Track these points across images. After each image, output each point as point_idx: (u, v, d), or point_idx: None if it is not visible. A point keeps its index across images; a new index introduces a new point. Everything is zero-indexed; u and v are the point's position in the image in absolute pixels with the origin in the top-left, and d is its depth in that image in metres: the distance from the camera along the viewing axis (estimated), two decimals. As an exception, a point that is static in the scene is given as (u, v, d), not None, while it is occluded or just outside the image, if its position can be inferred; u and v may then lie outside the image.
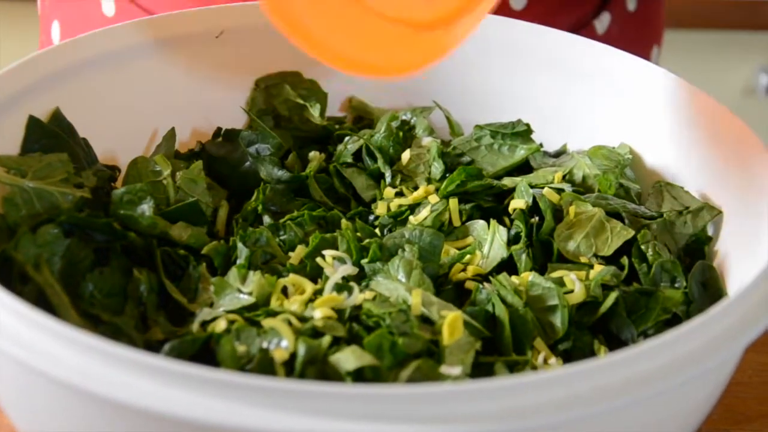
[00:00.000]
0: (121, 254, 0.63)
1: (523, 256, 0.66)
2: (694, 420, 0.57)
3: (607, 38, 0.76)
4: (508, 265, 0.67)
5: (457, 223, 0.69)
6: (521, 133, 0.77)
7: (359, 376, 0.53)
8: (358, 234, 0.68)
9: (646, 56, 1.01)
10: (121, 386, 0.45)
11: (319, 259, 0.64)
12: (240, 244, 0.65)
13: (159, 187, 0.68)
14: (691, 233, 0.69)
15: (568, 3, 1.00)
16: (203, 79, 0.78)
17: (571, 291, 0.62)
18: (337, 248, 0.65)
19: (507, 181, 0.73)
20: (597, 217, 0.68)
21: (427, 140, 0.77)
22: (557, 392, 0.46)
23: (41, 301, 0.57)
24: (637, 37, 1.05)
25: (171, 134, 0.76)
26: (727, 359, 0.55)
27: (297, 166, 0.76)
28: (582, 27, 0.94)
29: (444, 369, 0.55)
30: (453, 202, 0.70)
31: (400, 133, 0.77)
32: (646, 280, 0.65)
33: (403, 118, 0.80)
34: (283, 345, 0.54)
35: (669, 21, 1.16)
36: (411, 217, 0.70)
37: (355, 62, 0.58)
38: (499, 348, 0.60)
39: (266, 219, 0.70)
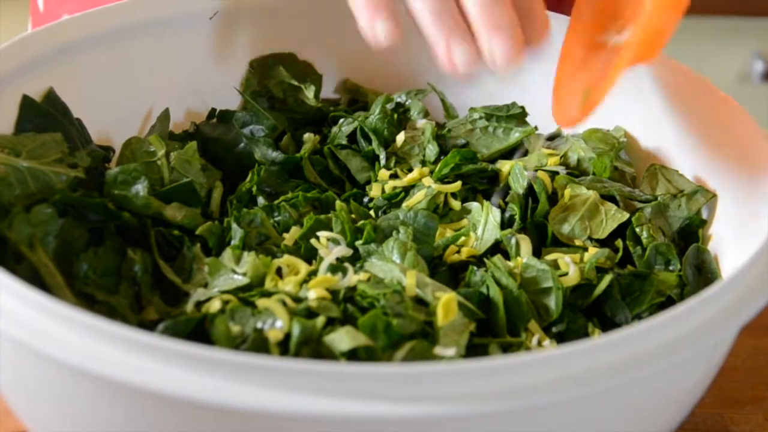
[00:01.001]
0: (116, 234, 0.63)
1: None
2: (687, 402, 0.57)
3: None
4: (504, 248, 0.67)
5: (456, 207, 0.69)
6: (516, 115, 0.77)
7: (353, 356, 0.53)
8: (353, 215, 0.68)
9: None
10: (116, 364, 0.45)
11: (313, 241, 0.64)
12: (234, 225, 0.65)
13: (153, 167, 0.68)
14: (686, 216, 0.69)
15: None
16: (197, 59, 0.78)
17: (566, 273, 0.63)
18: (331, 229, 0.65)
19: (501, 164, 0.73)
20: (591, 200, 0.68)
21: (421, 122, 0.77)
22: (552, 372, 0.46)
23: (35, 280, 0.57)
24: None
25: (165, 115, 0.75)
26: (720, 341, 0.55)
27: (291, 148, 0.76)
28: None
29: (438, 350, 0.55)
30: (454, 187, 0.69)
31: (395, 116, 0.77)
32: (640, 263, 0.65)
33: (398, 100, 0.80)
34: (277, 325, 0.54)
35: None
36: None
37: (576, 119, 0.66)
38: (494, 330, 0.60)
39: (261, 200, 0.70)
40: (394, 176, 0.73)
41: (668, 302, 0.64)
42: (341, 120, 0.77)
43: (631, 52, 0.61)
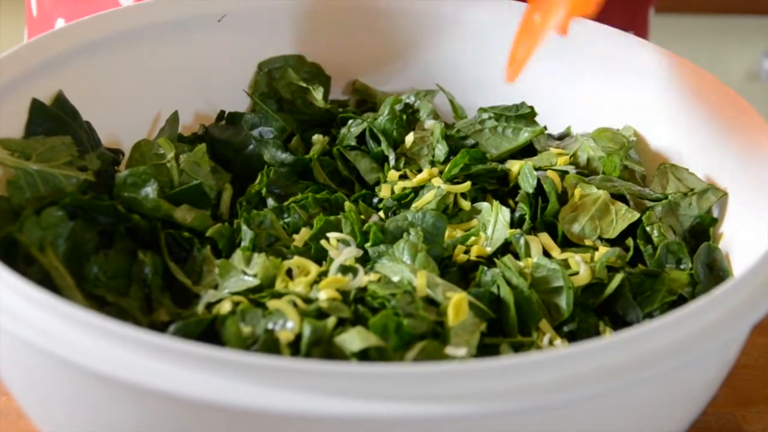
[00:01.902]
0: (126, 237, 0.63)
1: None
2: (699, 401, 0.57)
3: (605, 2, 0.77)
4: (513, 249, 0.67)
5: (466, 208, 0.69)
6: (525, 115, 0.77)
7: (365, 357, 0.53)
8: (362, 216, 0.68)
9: (645, 17, 1.01)
10: (126, 366, 0.45)
11: (323, 242, 0.64)
12: (244, 227, 0.65)
13: (163, 169, 0.68)
14: (696, 215, 0.69)
15: None
16: (206, 62, 0.78)
17: (577, 273, 0.62)
18: (341, 231, 0.65)
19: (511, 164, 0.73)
20: (602, 200, 0.68)
21: (430, 123, 0.77)
22: (563, 371, 0.46)
23: (46, 283, 0.57)
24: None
25: (174, 117, 0.76)
26: (732, 340, 0.54)
27: (300, 149, 0.76)
28: None
29: (449, 350, 0.54)
30: (464, 187, 0.69)
31: (404, 116, 0.77)
32: (651, 262, 0.65)
33: (407, 101, 0.80)
34: (288, 326, 0.54)
35: (674, 6, 1.16)
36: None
37: None
38: (505, 329, 0.60)
39: (270, 202, 0.70)
40: (403, 177, 0.72)
41: (680, 301, 0.63)
42: (350, 121, 0.77)
43: (560, 6, 0.63)
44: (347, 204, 0.68)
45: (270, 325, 0.55)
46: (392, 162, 0.74)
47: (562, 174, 0.70)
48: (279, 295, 0.58)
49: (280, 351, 0.54)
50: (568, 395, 0.46)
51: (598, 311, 0.63)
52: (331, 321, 0.55)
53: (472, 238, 0.66)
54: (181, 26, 0.76)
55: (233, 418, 0.46)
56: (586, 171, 0.73)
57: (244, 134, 0.75)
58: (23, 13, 1.06)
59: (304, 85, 0.79)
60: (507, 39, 0.80)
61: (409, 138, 0.75)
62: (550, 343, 0.59)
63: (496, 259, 0.64)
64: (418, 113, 0.79)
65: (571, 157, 0.74)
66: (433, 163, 0.73)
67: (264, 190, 0.71)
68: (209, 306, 0.58)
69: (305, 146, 0.76)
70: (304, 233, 0.65)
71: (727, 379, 0.60)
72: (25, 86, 0.67)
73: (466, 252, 0.66)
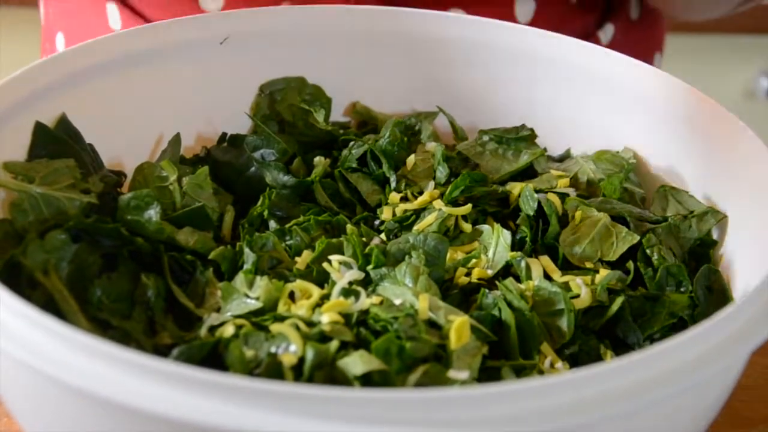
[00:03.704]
0: (129, 259, 0.63)
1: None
2: (700, 424, 0.57)
3: (611, 48, 0.78)
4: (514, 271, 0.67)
5: (467, 230, 0.70)
6: (525, 137, 0.77)
7: (367, 380, 0.53)
8: (364, 239, 0.68)
9: (649, 63, 1.02)
10: (130, 391, 0.45)
11: (325, 264, 0.64)
12: (247, 249, 0.65)
13: (165, 192, 0.68)
14: (696, 237, 0.69)
15: (572, 15, 1.00)
16: (208, 84, 0.79)
17: (578, 295, 0.63)
18: (343, 253, 0.65)
19: (511, 186, 0.73)
20: (602, 223, 0.68)
21: (431, 145, 0.77)
22: (565, 397, 0.46)
23: (50, 306, 0.57)
24: (640, 45, 1.05)
25: (176, 139, 0.76)
26: (733, 364, 0.55)
27: (302, 171, 0.76)
28: (586, 38, 0.94)
29: (452, 373, 0.55)
30: (465, 209, 0.70)
31: (405, 138, 0.77)
32: (651, 285, 0.65)
33: (408, 123, 0.80)
34: (291, 349, 0.55)
35: (670, 25, 1.16)
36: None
37: None
38: (506, 352, 0.60)
39: (272, 224, 0.71)
40: (404, 199, 0.73)
41: (680, 323, 0.64)
42: (351, 143, 0.78)
43: None
44: (349, 226, 0.69)
45: (273, 349, 0.55)
46: (393, 184, 0.74)
47: (563, 196, 0.70)
48: (281, 319, 0.58)
49: (284, 375, 0.54)
50: (569, 421, 0.46)
51: (598, 334, 0.63)
52: (334, 344, 0.55)
53: (474, 260, 0.67)
54: (183, 49, 0.77)
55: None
56: (586, 193, 0.73)
57: (246, 156, 0.76)
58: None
59: (306, 107, 0.79)
60: (507, 61, 0.81)
61: (410, 160, 0.76)
62: (552, 366, 0.59)
63: (497, 282, 0.64)
64: (419, 135, 0.79)
65: (571, 179, 0.74)
66: (434, 185, 0.73)
67: (266, 213, 0.71)
68: (212, 329, 0.59)
69: (307, 168, 0.77)
70: (306, 256, 0.66)
71: (727, 400, 0.60)
72: (28, 109, 0.67)
73: (468, 274, 0.66)
